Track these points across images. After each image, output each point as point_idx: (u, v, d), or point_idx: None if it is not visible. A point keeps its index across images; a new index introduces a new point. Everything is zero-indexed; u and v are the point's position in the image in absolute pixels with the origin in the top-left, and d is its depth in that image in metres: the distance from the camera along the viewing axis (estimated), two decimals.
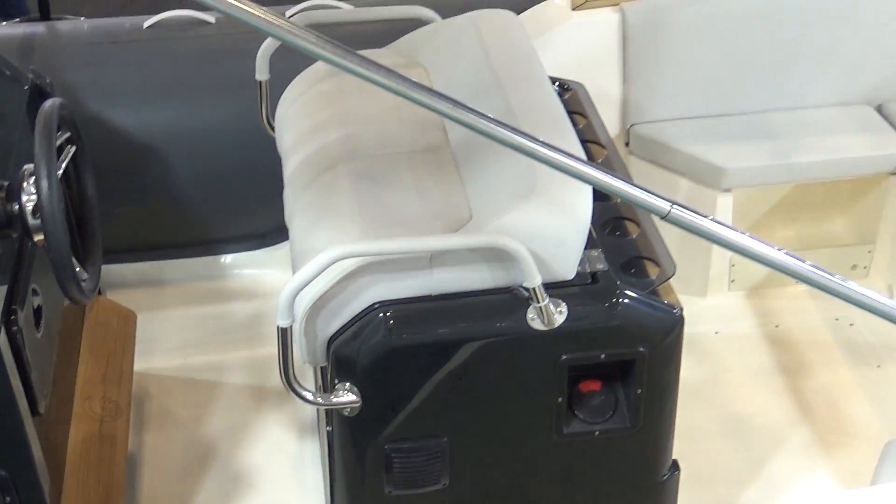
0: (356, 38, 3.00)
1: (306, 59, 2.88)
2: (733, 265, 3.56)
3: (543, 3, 3.51)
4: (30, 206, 2.20)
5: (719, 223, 1.83)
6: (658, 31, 3.49)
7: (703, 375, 3.31)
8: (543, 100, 2.52)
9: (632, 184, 1.83)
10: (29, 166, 2.28)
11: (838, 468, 3.02)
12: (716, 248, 3.49)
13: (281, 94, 2.90)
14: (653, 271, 2.36)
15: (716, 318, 3.53)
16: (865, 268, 3.67)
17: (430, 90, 1.77)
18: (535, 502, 2.48)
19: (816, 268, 1.85)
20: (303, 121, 2.71)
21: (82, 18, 3.81)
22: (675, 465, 2.52)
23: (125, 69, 3.37)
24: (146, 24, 3.52)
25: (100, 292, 3.03)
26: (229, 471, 3.03)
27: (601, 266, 2.30)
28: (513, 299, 2.21)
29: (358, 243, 2.16)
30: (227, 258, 3.57)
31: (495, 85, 2.55)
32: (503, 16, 2.90)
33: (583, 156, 2.33)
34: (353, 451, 2.34)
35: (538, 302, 2.17)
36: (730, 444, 3.13)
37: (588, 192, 2.22)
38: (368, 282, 2.19)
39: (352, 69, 1.71)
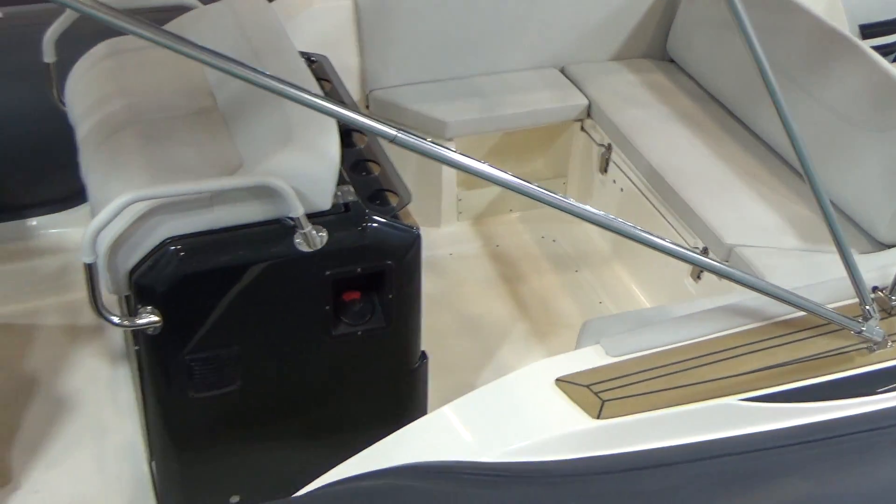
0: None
1: (88, 44, 2.81)
2: (460, 199, 3.66)
3: None
4: None
5: (438, 144, 1.91)
6: (385, 13, 3.47)
7: (442, 288, 3.40)
8: (294, 68, 2.51)
9: (364, 114, 1.86)
10: None
11: (551, 349, 3.16)
12: (445, 186, 3.59)
13: (67, 75, 2.77)
14: (394, 201, 2.39)
15: (449, 243, 3.62)
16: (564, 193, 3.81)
17: (213, 52, 1.80)
18: (313, 394, 2.49)
19: (516, 177, 1.94)
20: (90, 94, 2.60)
21: None
22: (423, 355, 2.58)
23: None
24: None
25: None
26: (51, 398, 2.93)
27: (352, 198, 2.32)
28: (282, 228, 2.22)
29: (147, 188, 2.12)
30: (33, 221, 3.40)
31: (253, 59, 2.53)
32: (256, 1, 2.87)
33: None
34: (159, 364, 2.29)
35: (302, 229, 2.19)
36: (466, 340, 3.23)
37: (335, 135, 2.24)
38: (159, 221, 2.15)
39: (153, 38, 1.71)
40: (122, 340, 3.10)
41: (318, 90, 2.41)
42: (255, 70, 1.80)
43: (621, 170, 3.44)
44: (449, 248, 3.61)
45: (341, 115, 1.84)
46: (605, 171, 3.54)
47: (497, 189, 3.71)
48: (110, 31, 2.83)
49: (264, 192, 2.18)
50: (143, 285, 2.17)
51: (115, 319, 2.18)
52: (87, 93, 2.63)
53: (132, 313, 2.21)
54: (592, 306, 3.36)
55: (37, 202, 3.40)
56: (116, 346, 3.09)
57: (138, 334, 2.28)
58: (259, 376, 2.38)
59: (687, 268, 3.09)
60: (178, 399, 2.34)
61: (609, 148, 3.49)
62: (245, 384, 2.37)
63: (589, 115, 3.61)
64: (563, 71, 3.74)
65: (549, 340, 3.24)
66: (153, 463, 2.53)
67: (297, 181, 2.16)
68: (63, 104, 2.75)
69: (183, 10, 2.86)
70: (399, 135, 1.82)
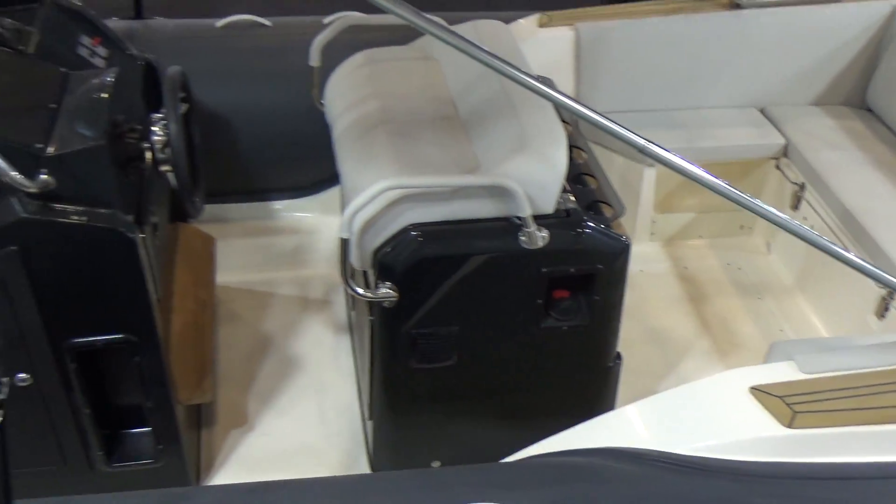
0: (382, 40, 3.12)
1: (345, 52, 3.00)
2: (654, 222, 3.70)
3: (516, 21, 3.57)
4: (158, 145, 2.31)
5: (684, 158, 1.95)
6: (602, 46, 3.53)
7: (631, 299, 3.40)
8: (534, 85, 2.60)
9: (616, 123, 1.91)
10: (155, 115, 2.37)
11: (731, 367, 3.13)
12: (641, 208, 3.63)
13: (324, 79, 2.95)
14: (608, 212, 2.43)
15: (640, 260, 3.62)
16: (750, 228, 3.78)
17: (485, 51, 1.89)
18: (515, 378, 2.55)
19: (731, 185, 2.01)
20: (348, 96, 2.77)
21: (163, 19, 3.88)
22: (618, 356, 2.61)
23: (202, 59, 3.40)
24: (218, 24, 3.59)
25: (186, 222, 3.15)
26: (282, 356, 3.12)
27: (571, 205, 2.39)
28: (509, 226, 2.30)
29: (400, 178, 2.24)
30: (279, 203, 3.63)
31: (493, 74, 2.65)
32: (496, 24, 2.97)
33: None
34: (389, 334, 2.40)
35: (527, 228, 2.27)
36: (650, 349, 3.25)
37: (564, 148, 2.31)
38: (405, 208, 2.27)
39: (442, 37, 1.84)
40: (346, 314, 3.29)
41: (551, 107, 2.50)
42: (523, 73, 1.88)
43: (813, 208, 3.39)
44: (640, 265, 3.62)
45: (599, 122, 1.91)
46: (797, 208, 3.49)
47: (689, 215, 3.73)
48: (366, 44, 3.04)
49: (498, 192, 2.27)
50: (385, 263, 2.30)
51: (360, 290, 2.31)
52: (345, 94, 2.80)
53: (372, 286, 2.34)
54: (773, 332, 3.31)
55: (282, 188, 3.64)
56: (339, 319, 3.27)
57: (374, 306, 2.39)
58: (472, 355, 2.47)
59: (871, 304, 3.03)
60: (402, 367, 2.46)
61: (802, 187, 3.45)
62: (459, 361, 2.47)
63: (785, 155, 3.57)
64: (762, 111, 3.71)
65: (729, 359, 3.21)
66: (370, 422, 2.66)
67: (527, 185, 2.25)
68: (321, 104, 2.95)
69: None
70: (648, 145, 1.88)
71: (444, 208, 2.31)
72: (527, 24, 3.59)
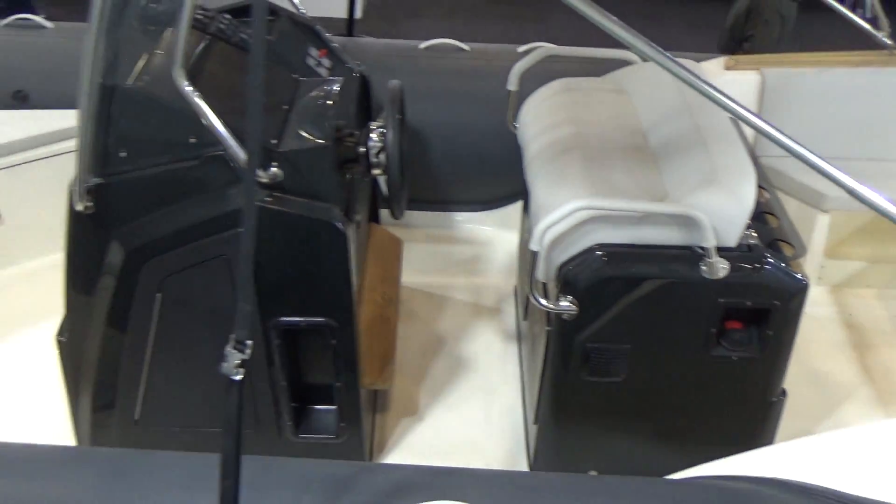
0: (574, 71, 3.15)
1: (542, 79, 3.05)
2: (823, 266, 3.60)
3: (702, 63, 3.52)
4: (373, 150, 2.40)
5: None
6: (787, 92, 3.48)
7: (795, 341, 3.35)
8: (721, 120, 2.59)
9: (822, 158, 1.91)
10: (371, 123, 2.46)
11: (891, 416, 3.02)
12: (812, 251, 3.52)
13: (519, 102, 2.99)
14: (788, 251, 2.38)
15: (807, 303, 3.52)
16: None
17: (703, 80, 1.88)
18: (679, 401, 2.53)
19: None
20: (544, 119, 2.82)
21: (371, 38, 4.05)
22: (783, 392, 2.55)
23: (405, 76, 3.49)
24: (422, 45, 3.72)
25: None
26: (454, 356, 3.19)
27: (753, 241, 2.35)
28: (692, 254, 2.29)
29: (593, 199, 2.26)
30: (460, 215, 3.71)
31: (686, 110, 2.65)
32: (688, 63, 2.98)
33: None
34: (564, 345, 2.42)
35: (710, 258, 2.25)
36: (809, 391, 3.14)
37: (753, 185, 2.29)
38: (593, 228, 2.29)
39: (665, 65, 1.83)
40: (514, 324, 3.33)
41: (742, 145, 2.48)
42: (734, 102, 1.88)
43: None
44: (805, 307, 3.51)
45: (810, 160, 1.92)
46: None
47: (860, 263, 3.59)
48: (557, 73, 3.08)
49: (684, 221, 2.27)
50: (569, 278, 2.32)
51: (543, 301, 2.34)
52: (541, 118, 2.85)
53: (553, 299, 2.36)
54: None
55: (465, 200, 3.72)
56: (509, 327, 3.32)
57: (552, 317, 2.42)
58: (641, 374, 2.46)
59: None
60: (573, 378, 2.47)
61: None
62: (628, 377, 2.46)
63: None
64: None
65: (891, 408, 3.07)
66: (535, 426, 2.68)
67: (714, 217, 2.23)
68: (515, 126, 3.01)
69: (624, 63, 3.05)
70: (856, 188, 1.86)
71: (630, 232, 2.32)
72: (713, 66, 3.56)
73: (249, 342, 1.57)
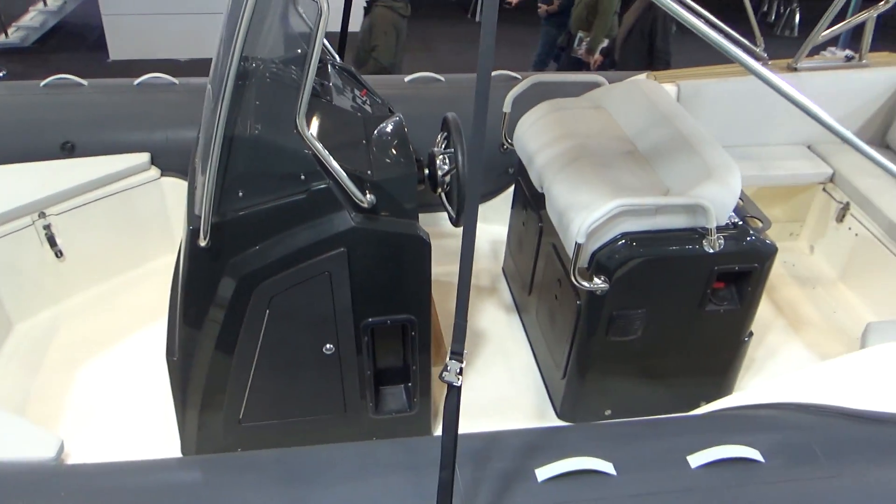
0: (555, 93, 3.11)
1: (531, 101, 2.99)
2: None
3: (632, 78, 3.44)
4: (440, 172, 2.30)
5: None
6: (696, 98, 3.47)
7: None
8: (694, 126, 2.61)
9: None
10: (434, 149, 2.34)
11: (805, 341, 3.16)
12: None
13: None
14: (756, 224, 2.45)
15: None
16: (797, 234, 3.80)
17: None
18: (678, 348, 2.58)
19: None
20: (541, 136, 2.78)
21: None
22: (751, 333, 2.63)
23: (396, 104, 3.32)
24: (406, 79, 3.59)
25: None
26: (472, 330, 3.09)
27: (737, 220, 2.43)
28: (696, 234, 2.34)
29: (628, 199, 2.26)
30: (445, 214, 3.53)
31: (663, 119, 2.68)
32: (650, 81, 3.00)
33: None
34: (594, 315, 2.44)
35: (711, 237, 2.31)
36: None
37: (739, 177, 2.35)
38: (620, 221, 2.31)
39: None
40: (510, 298, 3.30)
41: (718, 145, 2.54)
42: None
43: (858, 220, 3.42)
44: None
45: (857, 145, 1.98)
46: (842, 220, 3.53)
47: None
48: (547, 95, 3.03)
49: (691, 209, 2.31)
50: (602, 262, 2.34)
51: (586, 284, 2.34)
52: (537, 135, 2.81)
53: (587, 279, 2.36)
54: (828, 314, 3.34)
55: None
56: (506, 303, 3.28)
57: (582, 293, 2.43)
58: (652, 330, 2.50)
59: None
60: (599, 339, 2.50)
61: (847, 205, 3.48)
62: (643, 335, 2.50)
63: (831, 181, 3.60)
64: (809, 147, 3.73)
65: (802, 334, 3.22)
66: (563, 380, 2.67)
67: (714, 204, 2.29)
68: (509, 141, 2.96)
69: (595, 85, 3.04)
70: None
71: (648, 221, 2.34)
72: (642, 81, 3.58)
73: (465, 352, 1.49)
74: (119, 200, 3.15)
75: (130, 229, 3.24)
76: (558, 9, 6.29)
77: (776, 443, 1.87)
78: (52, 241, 3.00)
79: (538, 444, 1.85)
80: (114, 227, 3.18)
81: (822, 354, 3.09)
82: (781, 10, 10.28)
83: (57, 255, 3.03)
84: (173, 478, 1.77)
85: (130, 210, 3.20)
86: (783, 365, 3.02)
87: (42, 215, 2.95)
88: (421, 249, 2.18)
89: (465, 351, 1.49)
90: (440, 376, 1.46)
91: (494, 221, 3.62)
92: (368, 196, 2.09)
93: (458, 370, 1.44)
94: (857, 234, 3.43)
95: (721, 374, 2.71)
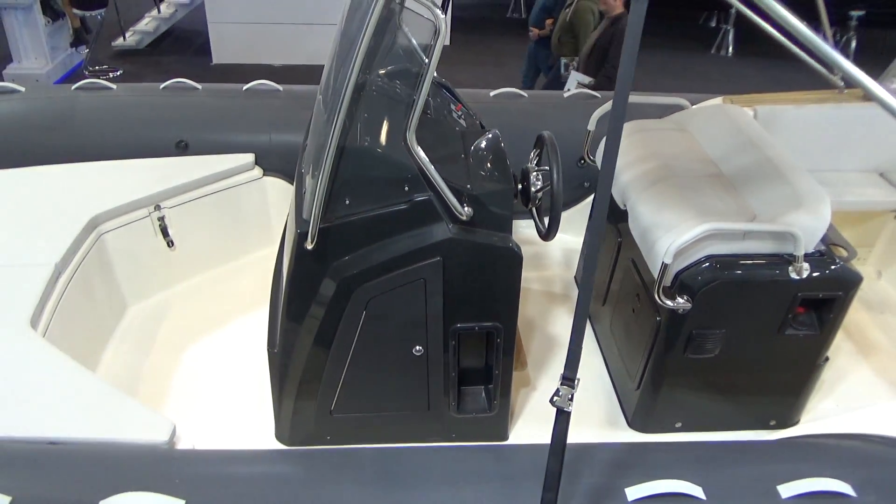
0: (636, 114, 2.96)
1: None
2: None
3: (703, 102, 3.30)
4: (533, 188, 2.18)
5: None
6: (772, 123, 3.26)
7: None
8: (782, 152, 2.46)
9: None
10: (527, 165, 2.23)
11: (872, 366, 2.95)
12: None
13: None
14: (841, 252, 2.29)
15: None
16: (865, 259, 3.57)
17: None
18: (755, 370, 2.44)
19: None
20: (626, 155, 2.66)
21: None
22: (827, 358, 2.47)
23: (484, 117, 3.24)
24: (491, 94, 3.48)
25: None
26: (543, 337, 2.99)
27: (822, 247, 2.27)
28: (782, 260, 2.19)
29: (719, 223, 2.13)
30: (522, 222, 3.36)
31: (749, 144, 2.52)
32: (734, 106, 2.83)
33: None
34: (674, 332, 2.31)
35: (798, 263, 2.15)
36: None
37: (829, 206, 2.19)
38: (707, 243, 2.18)
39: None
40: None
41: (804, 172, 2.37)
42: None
43: None
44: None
45: None
46: None
47: None
48: (636, 115, 2.88)
49: (779, 236, 2.16)
50: (686, 282, 2.20)
51: (669, 303, 2.21)
52: (621, 154, 2.68)
53: (671, 297, 2.23)
54: None
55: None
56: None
57: (663, 310, 2.29)
58: (730, 351, 2.36)
59: None
60: (677, 356, 2.36)
61: None
62: (720, 353, 2.36)
63: None
64: (881, 175, 3.49)
65: (870, 359, 2.99)
66: (637, 392, 2.55)
67: (803, 232, 2.13)
68: (591, 158, 2.83)
69: (678, 107, 2.89)
70: None
71: (734, 245, 2.20)
72: (715, 105, 3.39)
73: (578, 379, 1.38)
74: (225, 196, 3.14)
75: (234, 223, 3.23)
76: (549, 32, 6.14)
77: (867, 477, 1.72)
78: (164, 232, 3.01)
79: (626, 462, 1.74)
80: (219, 221, 3.18)
81: (891, 381, 2.88)
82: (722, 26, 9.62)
83: (169, 245, 3.04)
84: (278, 469, 1.72)
85: (235, 206, 3.19)
86: (852, 389, 2.83)
87: (157, 208, 2.95)
88: (513, 262, 2.08)
89: (578, 378, 1.38)
90: (551, 401, 1.36)
91: (567, 231, 3.50)
92: (466, 209, 2.00)
93: (569, 396, 1.33)
94: None
95: (794, 396, 2.54)
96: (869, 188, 3.41)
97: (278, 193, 3.26)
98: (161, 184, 2.97)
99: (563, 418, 1.38)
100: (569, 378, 1.37)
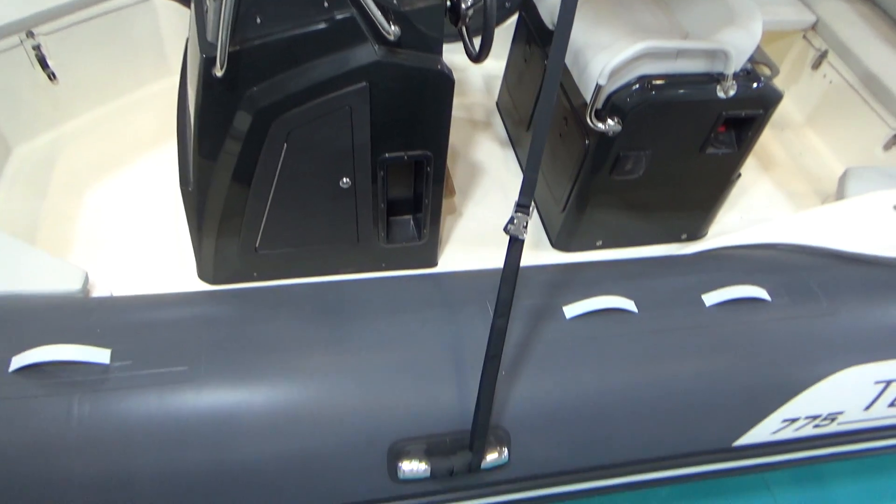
0: None
1: None
2: None
3: None
4: (463, 4, 1.94)
5: None
6: None
7: None
8: None
9: None
10: None
11: (774, 179, 3.04)
12: None
13: None
14: (765, 70, 2.24)
15: None
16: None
17: None
18: (675, 188, 2.45)
19: None
20: None
21: None
22: (739, 174, 2.50)
23: None
24: None
25: None
26: (469, 163, 2.89)
27: (748, 66, 2.21)
28: (710, 79, 2.13)
29: (654, 42, 2.00)
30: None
31: None
32: None
33: None
34: (601, 154, 2.27)
35: (726, 82, 2.10)
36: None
37: (761, 22, 2.10)
38: (640, 63, 2.08)
39: None
40: (503, 133, 3.07)
41: None
42: None
43: (834, 68, 3.21)
44: None
45: None
46: (817, 68, 3.32)
47: None
48: None
49: (710, 54, 2.08)
50: (618, 103, 2.13)
51: (601, 125, 2.14)
52: None
53: (602, 119, 2.16)
54: (795, 157, 3.20)
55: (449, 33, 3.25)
56: (500, 136, 3.06)
57: (591, 132, 2.24)
58: (653, 171, 2.35)
59: (880, 140, 2.95)
60: (603, 178, 2.34)
61: (825, 53, 3.25)
62: (644, 174, 2.35)
63: (812, 28, 3.32)
64: None
65: (770, 172, 3.10)
66: (562, 213, 2.53)
67: (735, 49, 2.06)
68: None
69: None
70: None
71: (667, 65, 2.11)
72: None
73: (532, 207, 1.29)
74: (111, 20, 2.71)
75: (123, 52, 2.82)
76: None
77: (780, 283, 1.80)
78: (43, 63, 2.59)
79: (561, 281, 1.74)
80: (107, 49, 2.76)
81: (789, 193, 3.01)
82: None
83: (50, 78, 2.64)
84: (210, 310, 1.60)
85: (124, 32, 2.77)
86: (755, 202, 2.93)
87: (31, 35, 2.51)
88: (444, 85, 1.92)
89: (531, 207, 1.29)
90: (505, 229, 1.28)
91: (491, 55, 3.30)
92: (393, 27, 1.78)
93: (524, 224, 1.26)
94: (830, 82, 3.24)
95: (705, 211, 2.60)
96: (781, 7, 3.34)
97: (172, 17, 2.84)
98: (31, 6, 2.50)
99: (516, 246, 1.32)
100: (523, 205, 1.29)
